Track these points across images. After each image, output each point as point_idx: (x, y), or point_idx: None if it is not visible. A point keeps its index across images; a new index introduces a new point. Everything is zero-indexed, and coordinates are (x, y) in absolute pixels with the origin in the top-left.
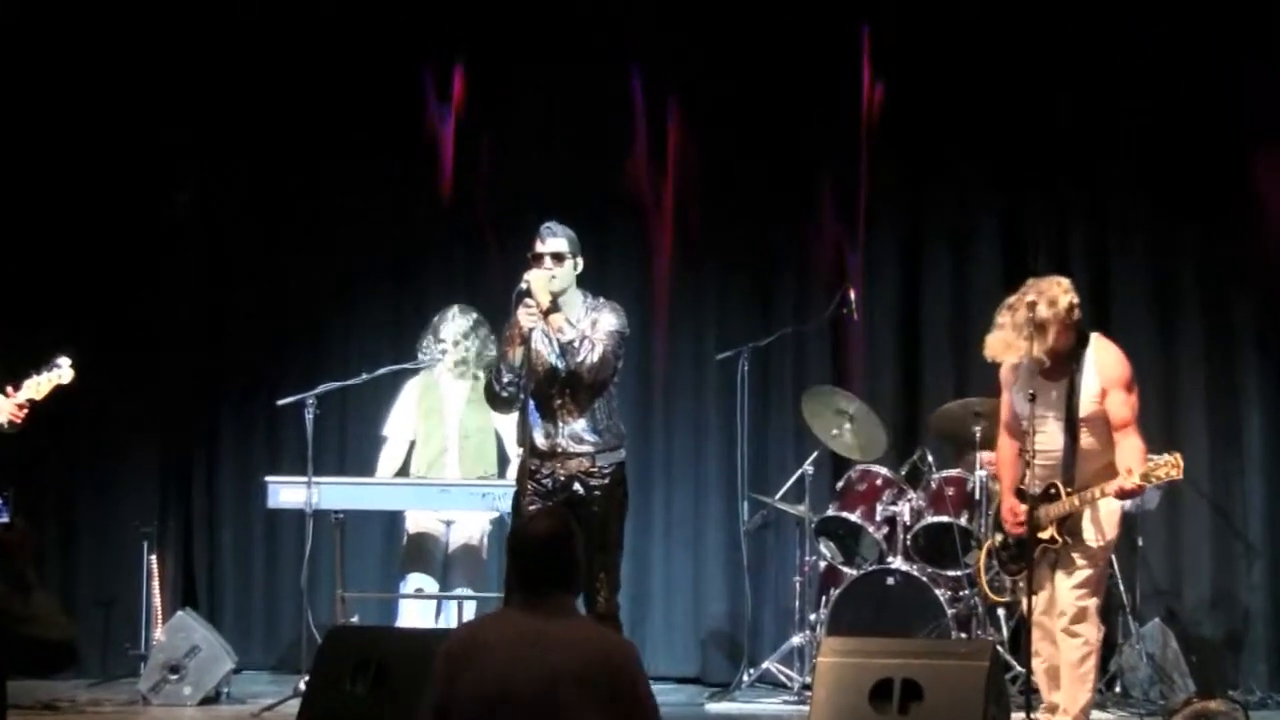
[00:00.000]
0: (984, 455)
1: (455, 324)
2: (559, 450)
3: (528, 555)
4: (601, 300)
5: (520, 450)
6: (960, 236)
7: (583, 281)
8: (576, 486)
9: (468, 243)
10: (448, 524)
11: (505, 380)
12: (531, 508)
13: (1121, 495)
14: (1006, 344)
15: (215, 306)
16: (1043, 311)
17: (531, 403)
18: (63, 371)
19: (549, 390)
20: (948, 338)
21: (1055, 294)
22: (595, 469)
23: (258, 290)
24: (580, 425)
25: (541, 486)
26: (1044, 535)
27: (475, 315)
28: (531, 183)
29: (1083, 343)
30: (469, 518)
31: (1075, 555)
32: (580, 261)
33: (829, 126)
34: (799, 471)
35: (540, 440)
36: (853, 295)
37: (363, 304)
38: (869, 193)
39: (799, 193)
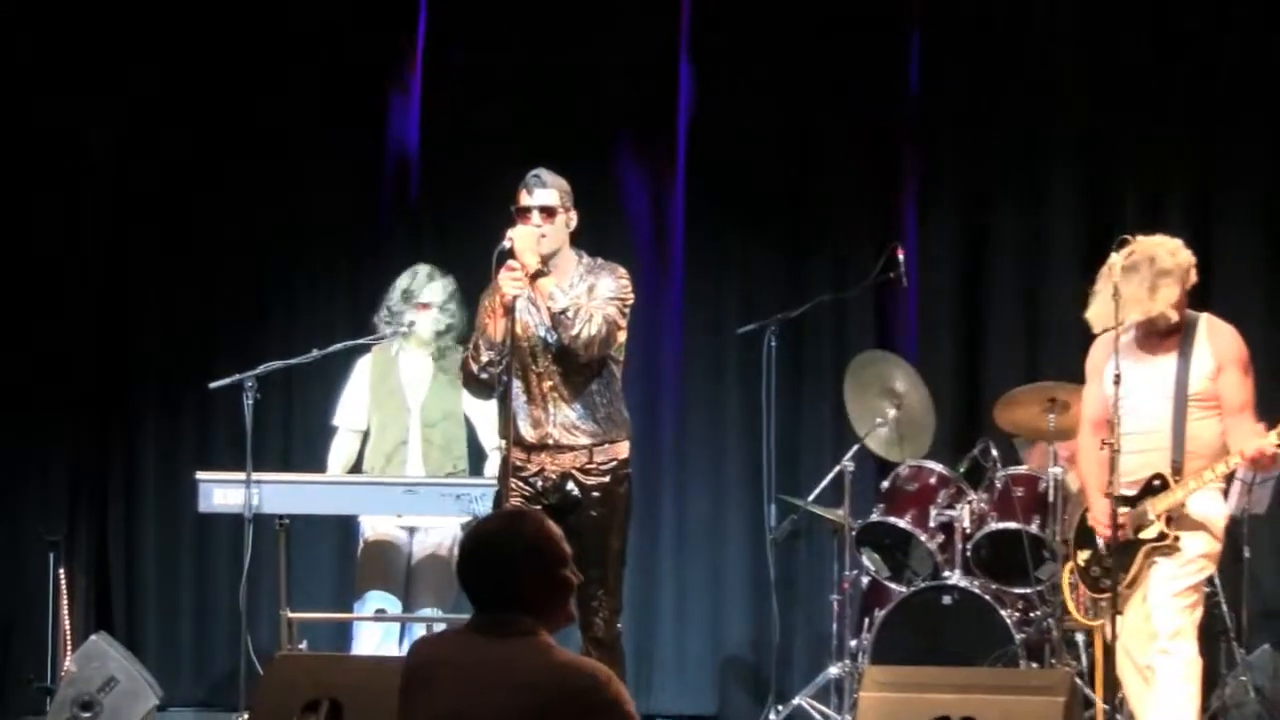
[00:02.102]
0: (1060, 449)
1: (434, 287)
2: (549, 442)
3: (465, 565)
4: (600, 261)
5: (500, 443)
6: (1033, 188)
7: (578, 239)
8: (570, 486)
9: (435, 200)
10: (411, 531)
11: (484, 359)
12: None
13: (1258, 462)
14: (1112, 310)
15: (135, 270)
16: (1165, 261)
17: (516, 385)
18: None
19: (537, 370)
20: (1017, 309)
21: (1175, 246)
22: (593, 465)
23: (186, 254)
24: (574, 412)
25: (528, 487)
26: (1147, 535)
27: (450, 278)
28: (511, 124)
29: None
30: (437, 524)
31: (1174, 562)
32: (574, 216)
33: (873, 46)
34: (837, 468)
35: (527, 431)
36: (902, 256)
37: (313, 269)
38: (923, 132)
39: (839, 132)
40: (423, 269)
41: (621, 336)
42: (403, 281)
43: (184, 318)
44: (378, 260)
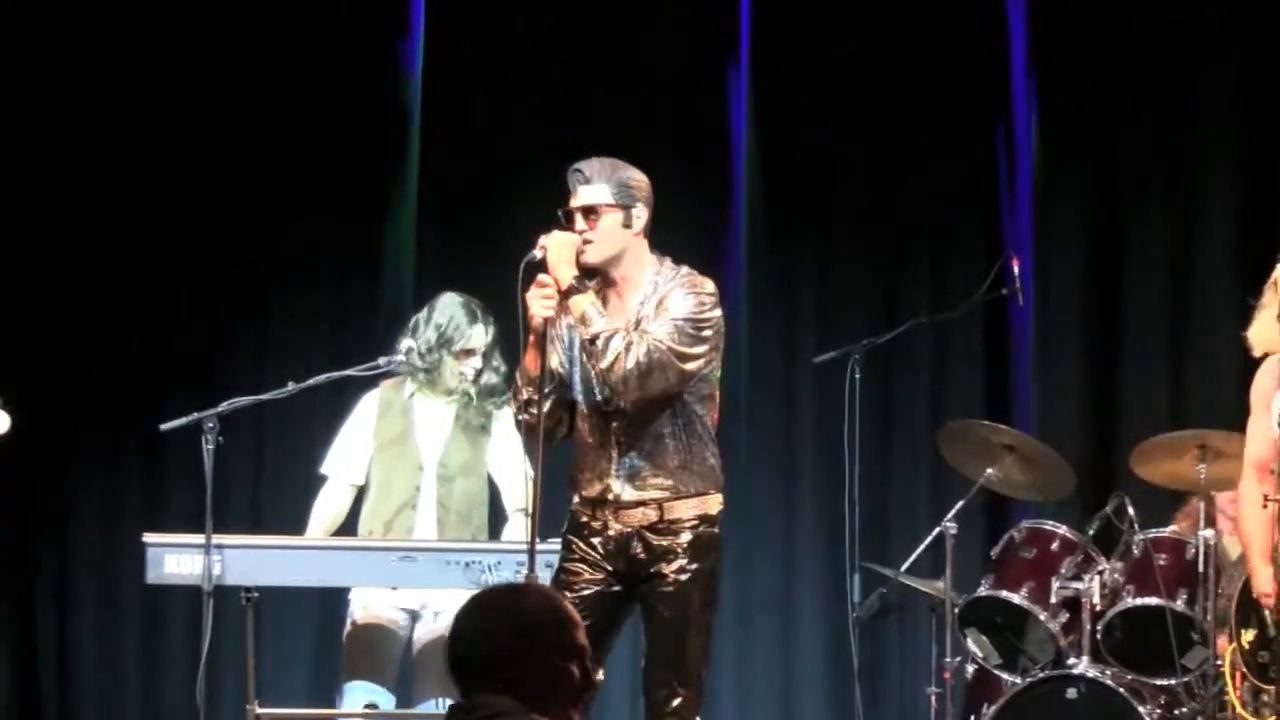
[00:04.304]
0: (1223, 503)
1: (478, 330)
2: (609, 496)
3: (451, 637)
4: (684, 271)
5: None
6: (1178, 191)
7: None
8: (637, 549)
9: (443, 210)
10: (414, 615)
11: (523, 398)
12: (576, 582)
13: None
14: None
15: (70, 290)
16: None
17: (582, 427)
18: None
19: (603, 411)
20: (1159, 334)
21: None
22: (664, 524)
23: (130, 268)
24: (641, 460)
25: (592, 550)
26: None
27: (491, 319)
28: (544, 116)
29: None
30: (445, 606)
31: None
32: (641, 213)
33: (980, 26)
34: (936, 530)
35: (590, 482)
36: (1016, 268)
37: (289, 286)
38: (1043, 124)
39: (937, 116)
40: (458, 305)
41: (694, 366)
42: (439, 318)
43: (130, 344)
44: (368, 276)
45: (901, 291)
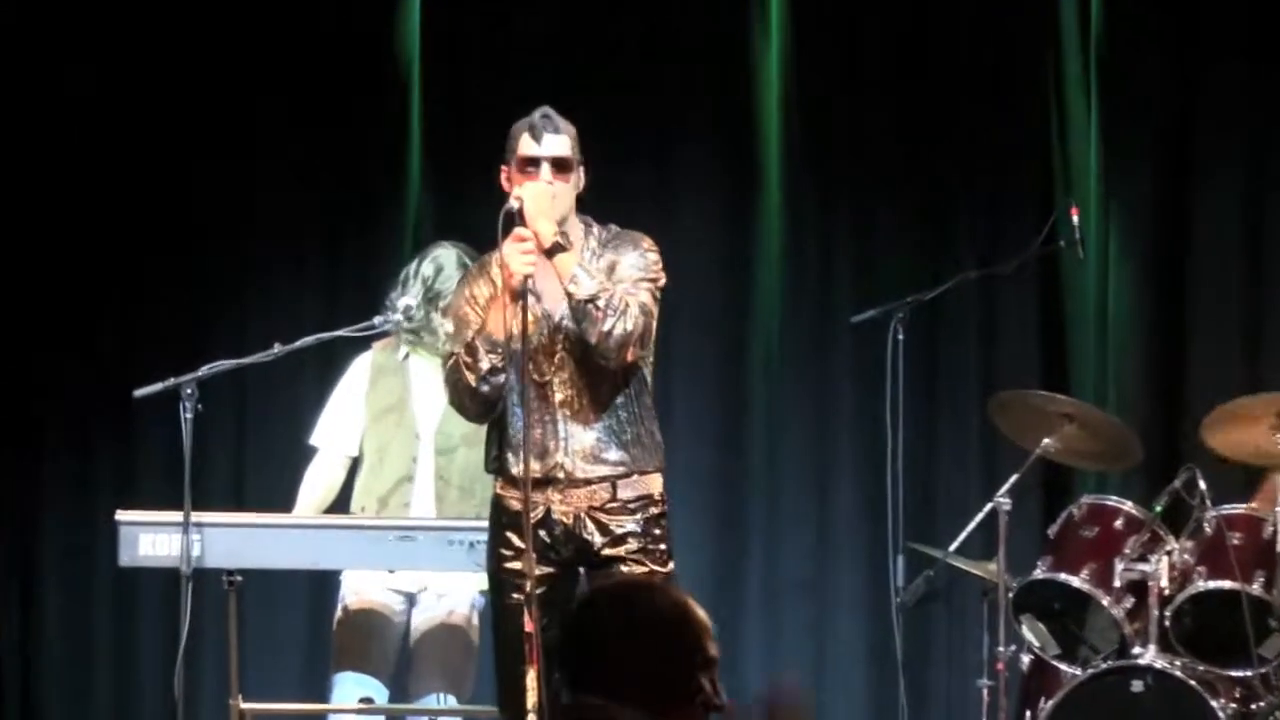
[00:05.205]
0: None
1: None
2: (559, 475)
3: (562, 631)
4: (615, 229)
5: (497, 481)
6: (1260, 131)
7: (588, 203)
8: (588, 532)
9: (440, 159)
10: (410, 598)
11: (485, 366)
12: (522, 583)
13: None
14: None
15: (36, 248)
16: None
17: (511, 399)
18: None
19: (543, 380)
20: (1232, 289)
21: None
22: (616, 503)
23: (102, 225)
24: (594, 435)
25: (535, 540)
26: None
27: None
28: (540, 49)
29: None
30: (447, 587)
31: None
32: (583, 173)
33: None
34: (988, 506)
35: (520, 462)
36: (1076, 217)
37: (275, 244)
38: (1104, 53)
39: (986, 46)
40: (450, 255)
41: (655, 326)
42: (425, 270)
43: (101, 306)
44: (363, 232)
45: (949, 242)
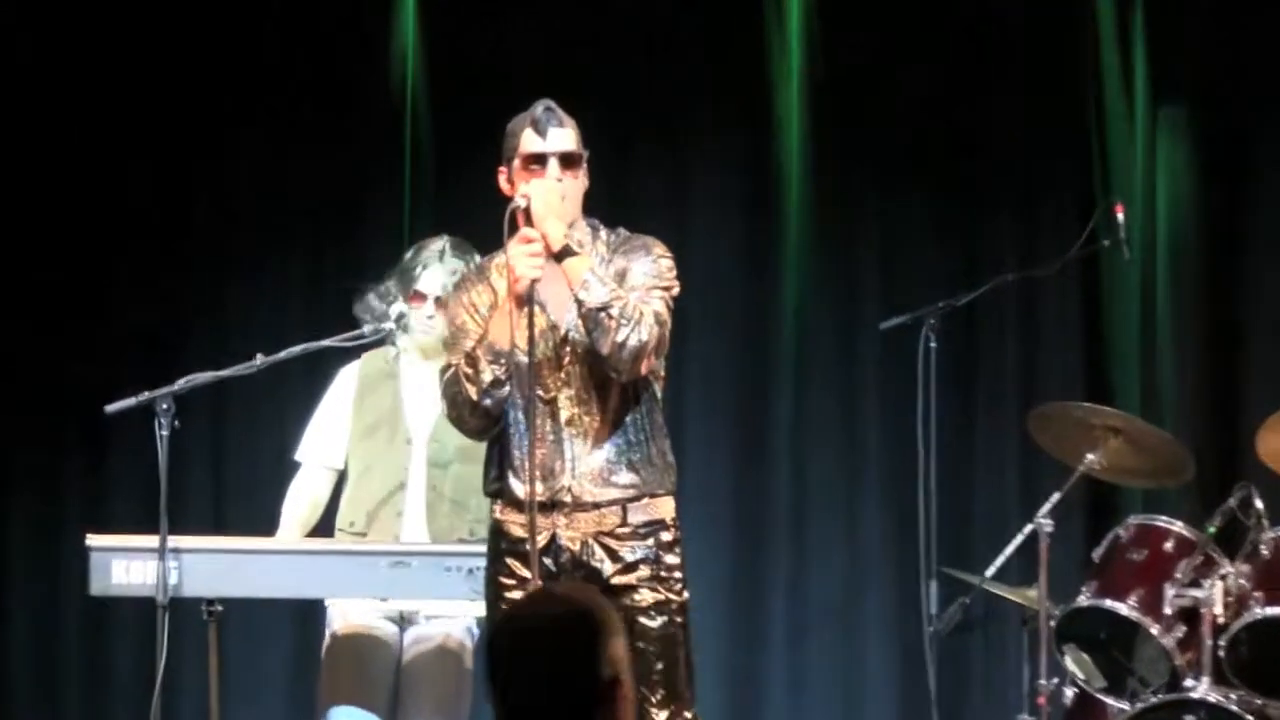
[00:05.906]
0: None
1: (439, 271)
2: (566, 499)
3: (486, 651)
4: (624, 233)
5: (496, 504)
6: None
7: (596, 204)
8: (597, 559)
9: (432, 163)
10: (401, 623)
11: (488, 379)
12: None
13: None
14: None
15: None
16: None
17: (514, 414)
18: None
19: (548, 396)
20: None
21: None
22: (627, 528)
23: (71, 231)
24: (604, 455)
25: (539, 568)
26: None
27: (474, 259)
28: (538, 53)
29: None
30: (440, 610)
31: None
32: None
33: None
34: (1029, 527)
35: (524, 484)
36: (1121, 216)
37: (259, 249)
38: (1151, 41)
39: (1021, 42)
40: (433, 245)
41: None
42: (406, 256)
43: (70, 316)
44: (355, 234)
45: (985, 244)
